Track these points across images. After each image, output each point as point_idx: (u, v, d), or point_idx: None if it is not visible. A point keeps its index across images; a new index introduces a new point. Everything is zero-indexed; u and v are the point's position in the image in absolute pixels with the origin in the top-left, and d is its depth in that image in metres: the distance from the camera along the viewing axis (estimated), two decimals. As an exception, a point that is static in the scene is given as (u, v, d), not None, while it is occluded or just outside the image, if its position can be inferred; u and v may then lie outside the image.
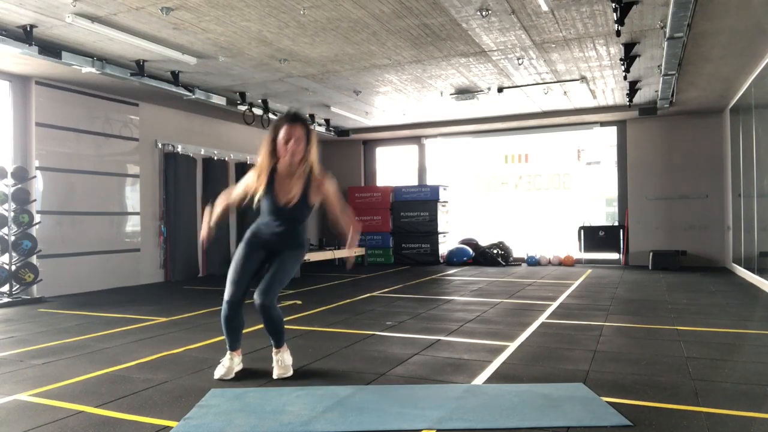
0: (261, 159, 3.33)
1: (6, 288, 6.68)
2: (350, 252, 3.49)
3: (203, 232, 3.42)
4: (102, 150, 8.14)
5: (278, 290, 3.36)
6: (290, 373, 3.40)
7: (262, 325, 3.39)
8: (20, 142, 7.23)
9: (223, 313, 3.35)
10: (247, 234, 3.43)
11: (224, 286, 3.37)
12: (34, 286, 7.00)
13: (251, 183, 3.36)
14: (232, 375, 3.38)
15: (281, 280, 3.36)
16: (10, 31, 5.57)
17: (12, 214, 6.73)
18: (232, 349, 3.44)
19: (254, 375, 3.45)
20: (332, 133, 11.66)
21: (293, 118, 3.29)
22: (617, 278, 8.61)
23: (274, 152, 3.30)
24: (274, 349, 3.47)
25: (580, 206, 12.67)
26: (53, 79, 7.33)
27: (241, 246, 3.42)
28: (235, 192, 3.45)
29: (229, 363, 3.41)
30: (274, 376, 3.36)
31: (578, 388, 3.10)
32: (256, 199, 3.31)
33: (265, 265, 3.42)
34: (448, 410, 2.77)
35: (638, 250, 10.76)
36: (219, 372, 3.38)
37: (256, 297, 3.29)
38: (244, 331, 3.47)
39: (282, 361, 3.43)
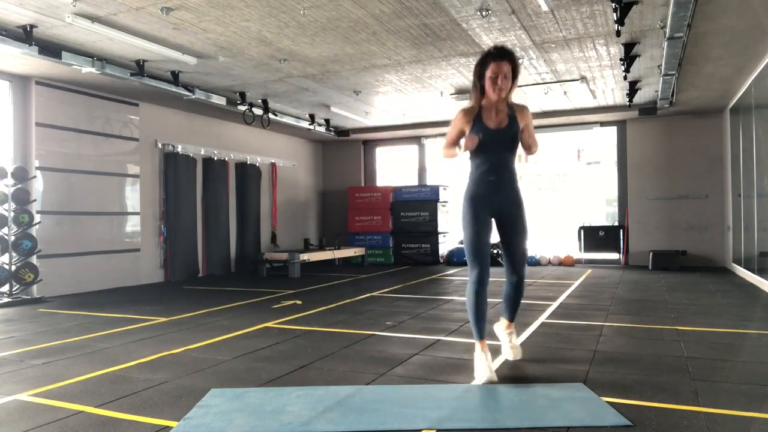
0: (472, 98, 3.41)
1: (6, 288, 6.68)
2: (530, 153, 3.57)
3: (468, 139, 3.32)
4: (102, 150, 8.14)
5: (527, 258, 3.47)
6: (521, 354, 3.53)
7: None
8: (20, 142, 7.23)
9: (471, 293, 3.31)
10: (465, 202, 3.41)
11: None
12: (34, 286, 7.00)
13: (457, 124, 3.40)
14: (496, 378, 3.20)
15: (526, 246, 3.47)
16: (10, 31, 5.57)
17: (12, 214, 6.73)
18: (481, 337, 3.30)
19: (254, 375, 3.45)
20: (332, 133, 11.66)
21: (501, 53, 3.27)
22: (617, 278, 8.61)
23: (481, 89, 3.34)
24: (506, 324, 3.57)
25: (580, 206, 12.67)
26: (53, 79, 7.34)
27: (467, 218, 3.38)
28: (450, 137, 3.47)
29: (486, 360, 3.25)
30: (511, 358, 3.44)
31: (578, 388, 3.10)
32: (464, 143, 3.31)
33: (491, 229, 3.43)
34: (448, 410, 2.77)
35: (638, 250, 10.76)
36: (485, 375, 3.17)
37: (512, 273, 3.43)
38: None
39: (515, 341, 3.59)
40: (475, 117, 3.37)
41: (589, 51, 6.69)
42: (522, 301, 3.65)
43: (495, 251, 11.21)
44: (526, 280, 3.63)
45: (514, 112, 3.39)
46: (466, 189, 3.44)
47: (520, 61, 3.36)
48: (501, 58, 3.25)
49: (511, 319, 3.63)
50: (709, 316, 5.32)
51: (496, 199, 3.37)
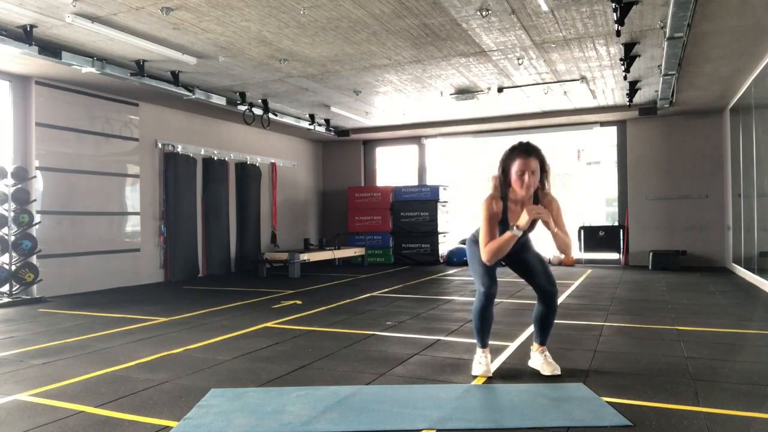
0: (493, 190, 3.35)
1: (6, 288, 6.68)
2: (568, 257, 3.55)
3: (533, 213, 3.21)
4: (102, 150, 8.14)
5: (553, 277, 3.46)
6: (559, 370, 3.38)
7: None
8: (20, 142, 7.23)
9: (479, 306, 3.36)
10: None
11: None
12: (34, 286, 7.00)
13: (492, 217, 3.29)
14: (491, 373, 3.38)
15: (547, 265, 3.47)
16: (10, 31, 5.57)
17: (12, 214, 6.73)
18: (484, 345, 3.43)
19: (254, 375, 3.45)
20: (332, 133, 11.66)
21: (527, 151, 3.21)
22: (617, 278, 8.61)
23: (505, 183, 3.28)
24: (540, 349, 3.49)
25: (580, 206, 12.68)
26: (53, 79, 7.34)
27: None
28: (490, 232, 3.30)
29: (486, 360, 3.42)
30: (548, 373, 3.34)
31: (578, 388, 3.10)
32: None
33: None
34: (448, 410, 2.77)
35: (638, 250, 10.76)
36: (480, 369, 3.37)
37: (545, 287, 3.37)
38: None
39: (549, 358, 3.45)
40: (502, 213, 3.30)
41: (589, 51, 6.69)
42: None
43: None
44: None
45: (540, 203, 3.30)
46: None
47: (544, 157, 3.30)
48: (528, 155, 3.19)
49: (542, 342, 3.52)
50: (709, 316, 5.32)
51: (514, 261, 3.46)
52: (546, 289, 3.39)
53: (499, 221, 3.29)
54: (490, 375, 3.36)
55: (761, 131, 7.25)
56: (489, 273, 3.35)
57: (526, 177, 3.17)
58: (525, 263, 3.45)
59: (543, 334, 3.50)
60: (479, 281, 3.37)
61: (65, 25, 5.46)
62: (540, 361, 3.47)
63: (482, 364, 3.40)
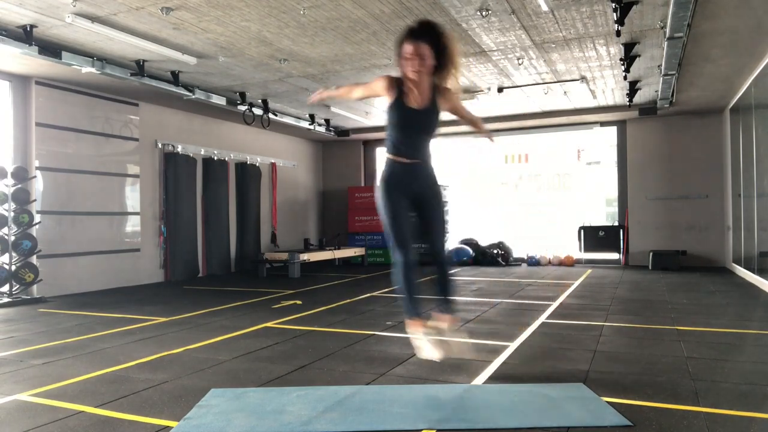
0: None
1: (6, 288, 6.68)
2: (485, 132, 3.47)
3: (321, 94, 3.22)
4: (102, 150, 8.14)
5: (445, 238, 3.37)
6: (455, 352, 3.23)
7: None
8: (20, 142, 7.23)
9: (399, 271, 3.21)
10: (381, 185, 3.28)
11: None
12: (34, 286, 7.00)
13: (376, 87, 3.24)
14: (440, 353, 3.08)
15: (443, 227, 3.35)
16: (10, 31, 5.57)
17: (12, 214, 6.73)
18: (419, 315, 3.20)
19: (254, 375, 3.45)
20: (332, 133, 11.66)
21: (415, 34, 3.08)
22: (617, 278, 8.61)
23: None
24: (442, 318, 3.29)
25: (580, 206, 12.67)
26: (53, 79, 7.33)
27: (384, 201, 3.25)
28: (356, 92, 3.34)
29: (425, 337, 3.13)
30: (437, 357, 3.10)
31: (578, 388, 3.10)
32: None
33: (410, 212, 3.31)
34: (448, 410, 2.77)
35: (638, 250, 10.76)
36: (430, 352, 3.10)
37: (438, 251, 3.30)
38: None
39: (449, 335, 3.23)
40: (397, 90, 3.20)
41: (589, 51, 6.69)
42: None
43: (495, 251, 11.24)
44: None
45: (437, 94, 3.22)
46: (383, 171, 3.31)
47: (450, 36, 3.13)
48: (416, 38, 3.07)
49: (450, 310, 3.35)
50: (709, 316, 5.32)
51: (410, 181, 3.24)
52: (432, 249, 3.33)
53: (395, 100, 3.19)
54: (440, 356, 3.10)
55: (761, 131, 7.25)
56: (402, 235, 3.20)
57: (411, 62, 3.06)
58: (426, 219, 3.32)
59: (445, 302, 3.34)
60: (393, 244, 3.23)
61: (65, 25, 5.46)
62: (435, 338, 3.22)
63: (427, 344, 3.12)
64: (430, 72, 3.16)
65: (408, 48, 3.08)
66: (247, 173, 10.77)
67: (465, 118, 3.44)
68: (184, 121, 9.55)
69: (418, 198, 3.28)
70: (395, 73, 3.25)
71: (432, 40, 3.10)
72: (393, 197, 3.23)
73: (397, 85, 3.21)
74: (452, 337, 3.29)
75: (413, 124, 3.22)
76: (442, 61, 3.15)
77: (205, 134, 9.96)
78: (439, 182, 3.37)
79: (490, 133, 3.60)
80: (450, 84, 3.25)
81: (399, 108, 3.21)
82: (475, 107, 9.78)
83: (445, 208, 3.41)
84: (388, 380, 3.32)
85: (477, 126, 3.52)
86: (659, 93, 8.06)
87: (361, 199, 12.26)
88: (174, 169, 9.14)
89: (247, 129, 10.38)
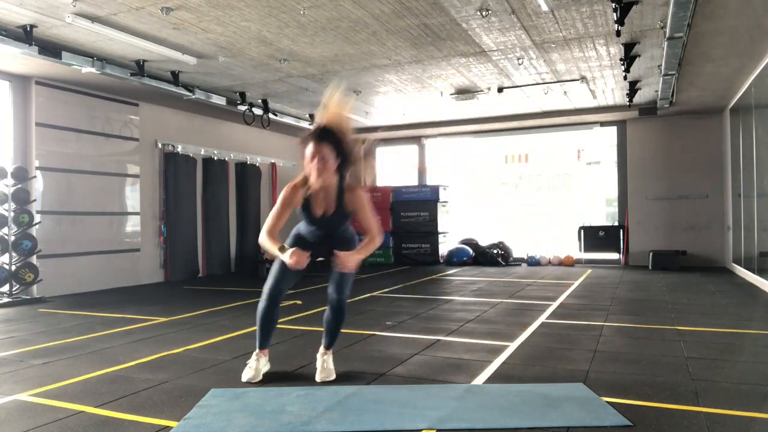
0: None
1: (6, 288, 6.68)
2: (355, 257, 3.17)
3: (296, 258, 3.10)
4: (102, 150, 8.14)
5: (351, 286, 3.42)
6: (333, 376, 3.36)
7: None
8: (20, 142, 7.23)
9: (261, 305, 3.31)
10: (293, 233, 3.38)
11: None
12: (34, 286, 7.00)
13: (285, 202, 3.19)
14: (260, 377, 3.32)
15: (350, 277, 3.40)
16: (10, 31, 5.57)
17: (12, 214, 6.73)
18: (262, 347, 3.38)
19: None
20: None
21: (319, 136, 3.06)
22: (617, 278, 8.61)
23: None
24: (323, 351, 3.46)
25: (580, 206, 12.67)
26: (53, 79, 7.33)
27: (289, 244, 3.32)
28: (274, 221, 3.20)
29: (256, 364, 3.35)
30: (318, 379, 3.30)
31: (578, 388, 3.10)
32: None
33: (315, 260, 3.31)
34: (448, 410, 2.77)
35: (638, 250, 10.76)
36: (246, 375, 3.32)
37: (332, 292, 3.38)
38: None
39: (328, 364, 3.41)
40: (304, 197, 3.18)
41: (589, 51, 6.69)
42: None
43: (495, 251, 11.24)
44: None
45: (344, 195, 3.18)
46: (300, 226, 3.38)
47: (353, 148, 3.17)
48: (319, 140, 3.04)
49: (327, 346, 3.48)
50: (709, 316, 5.32)
51: (321, 249, 3.31)
52: (331, 295, 3.41)
53: (303, 207, 3.21)
54: (259, 379, 3.29)
55: (761, 131, 7.25)
56: (280, 274, 3.27)
57: (316, 163, 3.04)
58: (329, 262, 3.28)
59: (327, 337, 3.49)
60: (270, 275, 3.30)
61: (65, 25, 5.46)
62: (319, 363, 3.43)
63: (251, 368, 3.34)
64: (335, 172, 3.12)
65: (311, 148, 3.06)
66: (247, 173, 10.77)
67: (364, 228, 3.22)
68: (184, 121, 9.55)
69: (327, 251, 3.28)
70: (296, 180, 3.21)
71: (334, 141, 3.07)
72: (295, 244, 3.29)
73: (304, 191, 3.18)
74: (329, 365, 3.44)
75: (321, 229, 3.28)
76: (346, 160, 3.15)
77: (205, 134, 9.95)
78: (353, 242, 3.35)
79: (352, 259, 3.17)
80: (356, 184, 3.24)
81: (306, 215, 3.26)
82: (475, 107, 9.80)
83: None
84: (388, 380, 3.32)
85: (369, 244, 3.20)
86: (659, 93, 8.06)
87: (361, 199, 12.24)
88: (174, 169, 9.14)
89: (247, 129, 10.37)
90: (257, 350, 3.39)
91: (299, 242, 3.32)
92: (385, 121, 11.10)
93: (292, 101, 9.18)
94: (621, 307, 5.90)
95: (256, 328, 3.37)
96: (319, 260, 3.36)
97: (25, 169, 6.98)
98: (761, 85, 7.11)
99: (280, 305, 3.39)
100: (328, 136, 3.07)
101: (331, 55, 6.73)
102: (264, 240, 3.19)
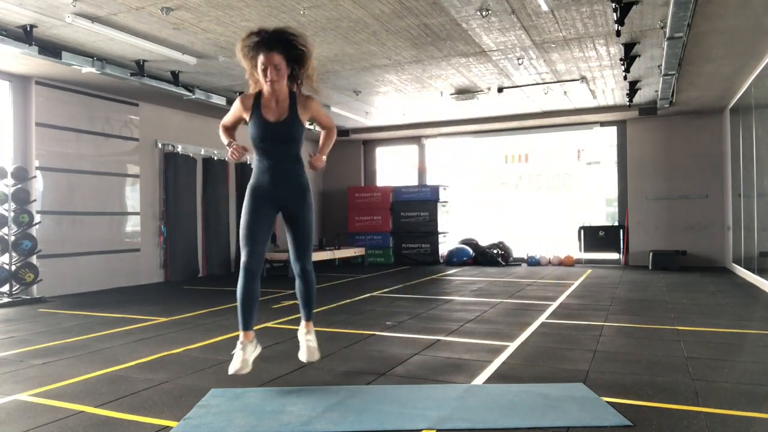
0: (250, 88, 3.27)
1: (6, 288, 6.68)
2: (321, 157, 3.30)
3: (232, 150, 3.13)
4: (102, 150, 8.14)
5: (312, 247, 3.31)
6: (317, 356, 3.26)
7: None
8: (20, 142, 7.23)
9: (240, 282, 3.16)
10: (248, 190, 3.24)
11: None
12: (34, 286, 7.00)
13: (235, 110, 3.24)
14: (249, 367, 3.10)
15: (309, 237, 3.28)
16: (10, 31, 5.57)
17: (12, 214, 6.73)
18: (245, 328, 3.17)
19: (254, 375, 3.45)
20: (332, 133, 11.63)
21: (269, 44, 3.02)
22: (617, 278, 8.61)
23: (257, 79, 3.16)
24: (303, 325, 3.35)
25: (580, 206, 12.67)
26: (53, 79, 7.33)
27: (246, 204, 3.21)
28: (225, 122, 3.30)
29: (242, 354, 3.11)
30: (304, 359, 3.22)
31: (578, 388, 3.10)
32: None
33: (273, 222, 3.28)
34: (448, 410, 2.77)
35: (638, 250, 10.76)
36: (234, 366, 3.07)
37: (294, 264, 3.24)
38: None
39: (312, 342, 3.29)
40: (254, 105, 3.17)
41: (589, 51, 6.69)
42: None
43: (495, 251, 11.24)
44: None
45: (296, 103, 3.19)
46: (251, 178, 3.28)
47: (300, 39, 3.11)
48: (269, 49, 3.02)
49: (306, 317, 3.38)
50: (709, 316, 5.32)
51: (276, 192, 3.20)
52: (294, 264, 3.29)
53: (252, 115, 3.17)
54: (248, 370, 3.09)
55: (761, 131, 7.25)
56: (252, 239, 3.14)
57: (269, 73, 3.03)
58: (291, 228, 3.26)
59: (304, 308, 3.37)
60: (241, 245, 3.19)
61: (65, 25, 5.46)
62: (303, 341, 3.32)
63: (237, 358, 3.10)
64: (286, 81, 3.14)
65: (261, 59, 3.03)
66: (247, 173, 10.70)
67: (323, 126, 3.37)
68: (184, 121, 9.55)
69: (285, 208, 3.25)
70: (252, 89, 3.24)
71: (285, 48, 3.07)
72: (255, 204, 3.20)
73: (255, 100, 3.18)
74: (312, 340, 3.34)
75: (273, 137, 3.17)
76: (298, 67, 3.15)
77: (205, 134, 9.95)
78: (307, 190, 3.30)
79: (321, 159, 3.34)
80: (309, 90, 3.26)
81: (257, 122, 3.16)
82: (475, 107, 9.80)
83: (312, 219, 3.30)
84: (388, 380, 3.32)
85: (328, 137, 3.38)
86: (659, 93, 8.06)
87: (361, 199, 12.27)
88: (174, 169, 9.14)
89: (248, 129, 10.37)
90: (241, 336, 3.18)
91: (257, 192, 3.20)
92: (385, 121, 11.10)
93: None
94: (621, 307, 5.90)
95: (237, 307, 3.20)
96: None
97: (25, 169, 6.98)
98: (761, 85, 7.11)
99: (259, 281, 3.23)
100: (279, 43, 3.05)
101: (331, 55, 6.73)
102: (220, 130, 3.30)
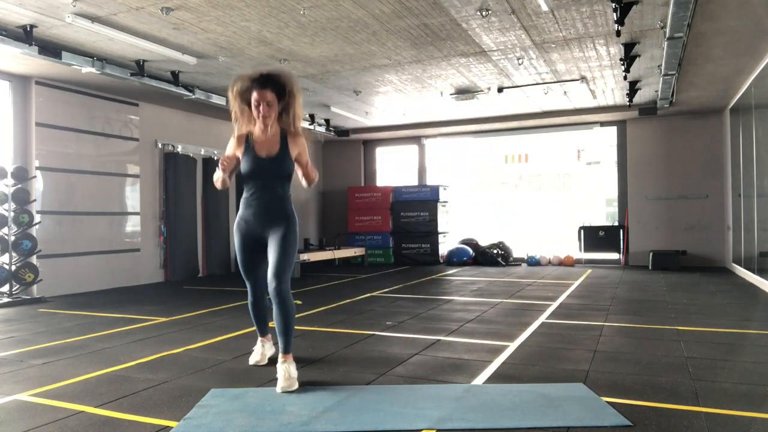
0: (239, 125, 3.39)
1: (6, 288, 6.68)
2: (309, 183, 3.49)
3: (221, 161, 3.27)
4: (102, 150, 8.14)
5: (289, 271, 3.27)
6: (296, 386, 3.11)
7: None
8: (20, 142, 7.23)
9: (249, 302, 3.63)
10: (235, 227, 3.45)
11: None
12: (34, 286, 7.00)
13: (229, 149, 3.38)
14: (266, 360, 3.65)
15: (288, 257, 3.24)
16: (10, 31, 5.57)
17: (12, 214, 6.73)
18: (262, 334, 3.71)
19: (254, 375, 3.45)
20: (332, 133, 11.66)
21: (262, 83, 3.22)
22: (617, 278, 8.61)
23: (250, 116, 3.32)
24: (280, 357, 3.21)
25: (580, 206, 12.68)
26: (53, 79, 7.33)
27: (236, 242, 3.46)
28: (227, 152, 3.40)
29: (261, 349, 3.69)
30: (279, 389, 3.07)
31: (578, 388, 3.10)
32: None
33: (265, 249, 3.39)
34: (448, 410, 2.77)
35: (638, 250, 10.76)
36: (253, 358, 3.67)
37: (270, 281, 3.22)
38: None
39: (288, 372, 3.15)
40: (246, 142, 3.33)
41: (589, 51, 6.69)
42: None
43: (495, 251, 11.24)
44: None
45: (287, 139, 3.34)
46: (238, 212, 3.45)
47: (293, 82, 3.32)
48: (262, 87, 3.21)
49: (284, 350, 3.22)
50: (709, 316, 5.32)
51: (260, 224, 3.33)
52: (270, 284, 3.22)
53: (245, 151, 3.31)
54: (265, 362, 3.63)
55: (761, 131, 7.25)
56: (249, 270, 3.47)
57: (262, 108, 3.22)
58: (271, 247, 3.30)
59: (281, 339, 3.23)
60: (243, 277, 3.53)
61: (65, 25, 5.46)
62: (280, 372, 3.17)
63: (257, 352, 3.70)
64: (277, 118, 3.31)
65: (255, 95, 3.22)
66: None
67: (302, 167, 3.44)
68: (184, 121, 9.55)
69: (268, 236, 3.35)
70: (237, 132, 3.39)
71: (276, 87, 3.25)
72: (240, 240, 3.42)
73: (247, 138, 3.36)
74: (291, 370, 3.20)
75: (264, 172, 3.31)
76: (287, 107, 3.30)
77: (205, 134, 9.95)
78: (291, 220, 3.35)
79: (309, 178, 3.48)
80: (297, 130, 3.38)
81: (249, 158, 3.31)
82: (475, 107, 9.80)
83: (293, 245, 3.33)
84: (388, 380, 3.32)
85: (307, 180, 3.48)
86: (659, 93, 8.06)
87: (361, 199, 12.27)
88: (174, 169, 9.14)
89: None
90: (259, 337, 3.72)
91: (240, 228, 3.40)
92: (385, 121, 11.10)
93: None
94: (621, 307, 5.90)
95: (252, 320, 3.72)
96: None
97: (25, 169, 6.98)
98: (761, 85, 7.11)
99: (265, 298, 3.51)
100: (271, 82, 3.24)
101: (331, 55, 6.73)
102: (216, 180, 3.42)
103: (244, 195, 3.41)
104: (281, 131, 3.35)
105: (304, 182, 3.49)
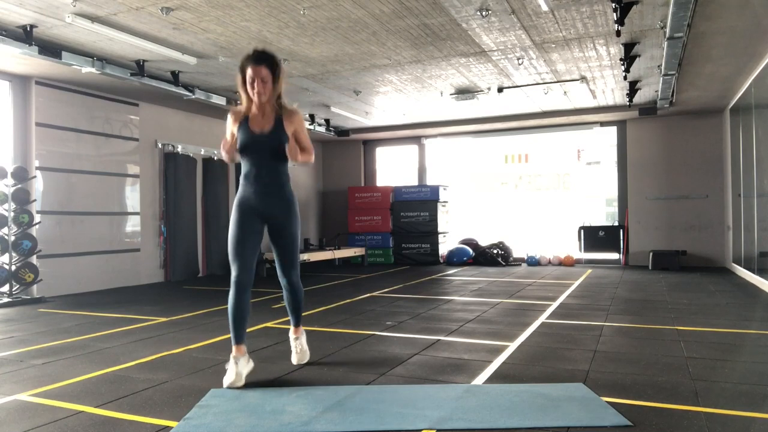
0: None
1: (6, 288, 6.68)
2: (294, 159, 3.43)
3: (227, 147, 3.38)
4: (102, 150, 8.14)
5: (297, 259, 3.46)
6: (307, 358, 3.56)
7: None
8: (20, 142, 7.22)
9: (230, 296, 3.25)
10: (234, 205, 3.42)
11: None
12: (34, 286, 7.00)
13: (227, 126, 3.44)
14: (243, 381, 3.18)
15: (294, 251, 3.45)
16: (10, 31, 5.57)
17: (12, 214, 6.73)
18: (237, 342, 3.23)
19: (254, 375, 3.45)
20: (332, 133, 11.65)
21: (257, 59, 3.29)
22: (617, 278, 8.61)
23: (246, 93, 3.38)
24: (293, 331, 3.62)
25: (580, 206, 12.68)
26: (53, 79, 7.33)
27: (233, 218, 3.37)
28: (226, 136, 3.49)
29: (235, 367, 3.18)
30: (295, 362, 3.45)
31: (578, 388, 3.10)
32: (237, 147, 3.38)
33: (261, 234, 3.41)
34: (448, 410, 2.77)
35: (638, 250, 10.76)
36: (228, 379, 3.16)
37: (282, 276, 3.45)
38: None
39: (301, 345, 3.61)
40: (242, 120, 3.40)
41: (589, 51, 6.69)
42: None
43: (495, 251, 11.24)
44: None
45: (282, 116, 3.40)
46: (237, 191, 3.46)
47: (282, 63, 3.45)
48: (258, 63, 3.28)
49: (295, 324, 3.67)
50: (709, 316, 5.32)
51: (262, 205, 3.36)
52: (281, 279, 3.50)
53: (240, 126, 3.39)
54: (242, 383, 3.16)
55: (761, 131, 7.25)
56: (240, 252, 3.26)
57: (256, 85, 3.29)
58: (275, 243, 3.43)
59: (292, 316, 3.64)
60: (231, 260, 3.32)
61: (65, 25, 5.46)
62: (293, 345, 3.66)
63: (229, 371, 3.19)
64: (273, 94, 3.38)
65: (250, 72, 3.30)
66: (247, 173, 10.75)
67: (300, 144, 3.47)
68: (184, 121, 9.55)
69: (270, 222, 3.41)
70: (243, 102, 3.48)
71: (271, 64, 3.32)
72: (242, 218, 3.35)
73: (243, 114, 3.42)
74: (303, 343, 3.68)
75: (258, 147, 3.35)
76: (278, 79, 3.39)
77: (205, 134, 9.95)
78: (292, 203, 3.44)
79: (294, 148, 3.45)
80: (289, 106, 3.46)
81: (243, 133, 3.36)
82: (475, 107, 9.80)
83: (297, 231, 3.44)
84: (388, 380, 3.32)
85: (297, 157, 3.43)
86: (659, 93, 8.06)
87: (361, 199, 12.27)
88: (174, 169, 9.14)
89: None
90: (233, 350, 3.24)
91: (243, 206, 3.37)
92: (385, 121, 11.10)
93: (293, 101, 9.11)
94: (621, 307, 5.90)
95: (229, 321, 3.28)
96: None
97: (25, 169, 6.98)
98: (761, 85, 7.11)
99: (250, 293, 3.32)
100: (266, 58, 3.31)
101: (331, 55, 6.73)
102: (223, 155, 3.46)
103: (243, 171, 3.45)
104: (278, 109, 3.41)
105: (290, 155, 3.37)
